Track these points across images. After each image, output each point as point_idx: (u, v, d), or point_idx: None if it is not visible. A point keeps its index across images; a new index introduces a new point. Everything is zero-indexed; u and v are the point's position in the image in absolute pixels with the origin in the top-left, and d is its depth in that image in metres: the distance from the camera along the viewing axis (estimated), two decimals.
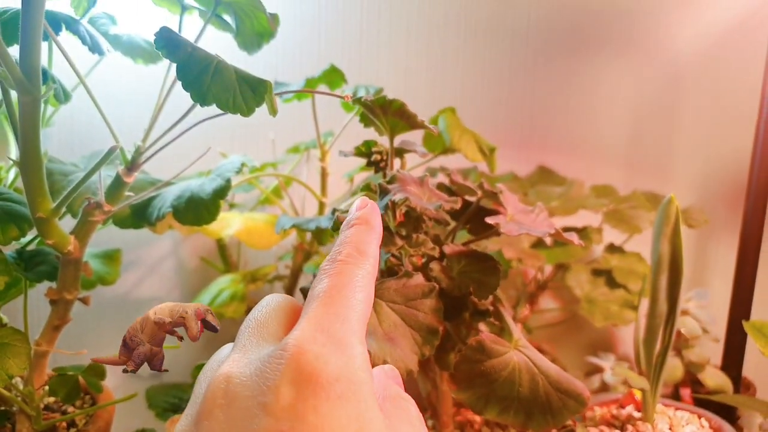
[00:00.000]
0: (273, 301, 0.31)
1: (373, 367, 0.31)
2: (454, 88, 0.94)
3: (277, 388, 0.24)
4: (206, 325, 0.37)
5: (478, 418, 0.67)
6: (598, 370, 0.94)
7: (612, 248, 0.84)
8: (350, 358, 0.26)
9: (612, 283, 0.79)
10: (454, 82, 0.94)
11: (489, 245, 0.74)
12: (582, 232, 0.79)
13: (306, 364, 0.25)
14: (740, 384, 0.92)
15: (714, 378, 0.88)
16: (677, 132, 1.06)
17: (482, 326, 0.54)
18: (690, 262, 1.09)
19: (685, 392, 0.91)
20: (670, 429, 0.68)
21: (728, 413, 0.88)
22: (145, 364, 0.50)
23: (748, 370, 0.94)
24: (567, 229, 0.81)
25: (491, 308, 0.50)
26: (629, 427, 0.68)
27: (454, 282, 0.49)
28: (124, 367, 0.49)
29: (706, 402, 0.79)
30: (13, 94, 0.44)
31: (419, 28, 0.91)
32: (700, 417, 0.72)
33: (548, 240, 0.82)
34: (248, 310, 0.71)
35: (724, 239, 1.05)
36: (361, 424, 0.24)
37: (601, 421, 0.71)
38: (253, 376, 0.25)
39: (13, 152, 0.65)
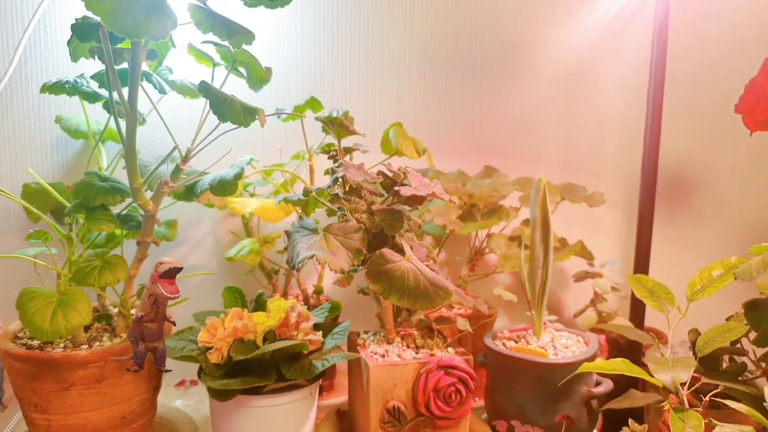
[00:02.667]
0: None
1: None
2: (417, 110, 1.27)
3: None
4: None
5: (416, 332, 0.97)
6: None
7: (527, 222, 1.14)
8: None
9: (522, 246, 1.08)
10: (417, 105, 1.26)
11: (427, 217, 1.05)
12: (500, 209, 1.09)
13: None
14: (643, 330, 1.19)
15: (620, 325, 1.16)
16: (604, 136, 1.35)
17: None
18: (619, 238, 1.38)
19: (601, 337, 1.20)
20: (551, 341, 0.97)
21: (635, 355, 1.15)
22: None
23: (658, 324, 1.21)
24: (491, 209, 1.12)
25: (399, 242, 0.82)
26: (522, 340, 0.98)
27: (374, 224, 0.81)
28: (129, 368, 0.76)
29: (618, 346, 1.08)
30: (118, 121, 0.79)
31: (389, 63, 1.24)
32: (577, 336, 1.01)
33: (478, 215, 1.12)
34: (260, 263, 1.04)
35: None
36: None
37: (507, 338, 1.00)
38: None
39: (105, 162, 1.01)
